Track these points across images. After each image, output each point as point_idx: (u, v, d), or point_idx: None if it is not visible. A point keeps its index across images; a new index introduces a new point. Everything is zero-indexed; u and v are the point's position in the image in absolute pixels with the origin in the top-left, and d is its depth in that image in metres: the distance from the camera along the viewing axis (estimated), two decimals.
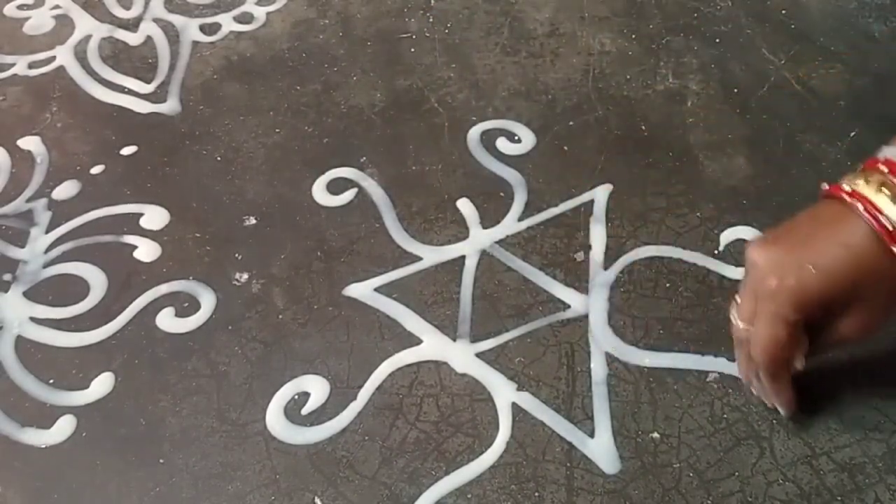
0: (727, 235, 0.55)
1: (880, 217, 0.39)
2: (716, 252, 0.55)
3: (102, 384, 0.50)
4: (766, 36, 0.69)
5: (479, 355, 0.50)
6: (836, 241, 0.40)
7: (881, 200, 0.39)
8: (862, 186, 0.40)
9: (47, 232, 0.58)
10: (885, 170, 0.40)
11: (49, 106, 0.66)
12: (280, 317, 0.53)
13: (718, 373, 0.49)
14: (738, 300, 0.44)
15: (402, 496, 0.45)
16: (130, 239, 0.57)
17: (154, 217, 0.58)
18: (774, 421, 0.47)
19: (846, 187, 0.41)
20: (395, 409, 0.48)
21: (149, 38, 0.72)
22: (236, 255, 0.56)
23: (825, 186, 0.43)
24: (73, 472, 0.47)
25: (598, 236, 0.56)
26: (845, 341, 0.43)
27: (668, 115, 0.63)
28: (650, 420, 0.47)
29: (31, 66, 0.70)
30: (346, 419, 0.48)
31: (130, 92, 0.67)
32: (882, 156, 0.41)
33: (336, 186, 0.60)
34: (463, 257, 0.55)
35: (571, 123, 0.63)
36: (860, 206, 0.40)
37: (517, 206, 0.58)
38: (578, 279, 0.54)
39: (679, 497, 0.44)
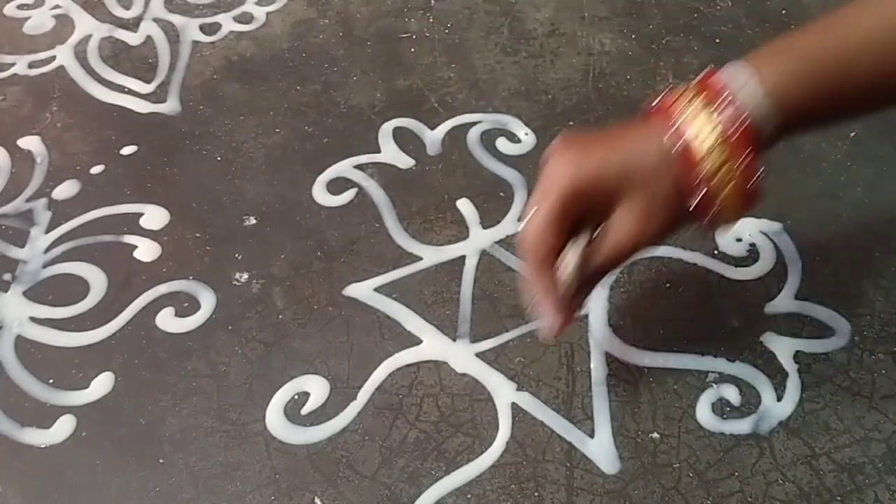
0: (727, 235, 0.55)
1: (680, 125, 0.37)
2: (716, 252, 0.55)
3: (102, 384, 0.50)
4: (766, 36, 0.69)
5: (479, 355, 0.50)
6: (627, 138, 0.39)
7: (691, 115, 0.38)
8: (681, 102, 0.38)
9: (47, 232, 0.58)
10: (706, 91, 0.38)
11: (49, 106, 0.66)
12: (280, 317, 0.53)
13: (718, 373, 0.49)
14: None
15: (402, 496, 0.45)
16: (130, 239, 0.57)
17: (154, 217, 0.58)
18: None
19: (667, 100, 0.39)
20: (394, 409, 0.48)
21: (149, 38, 0.72)
22: (236, 255, 0.56)
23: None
24: (73, 472, 0.47)
25: None
26: (622, 247, 0.39)
27: None
28: (650, 420, 0.47)
29: (31, 65, 0.70)
30: (346, 419, 0.48)
31: (130, 92, 0.67)
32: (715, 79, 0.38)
33: (336, 186, 0.60)
34: (463, 257, 0.55)
35: (571, 123, 0.63)
36: (672, 118, 0.38)
37: (517, 206, 0.58)
38: None
39: (679, 497, 0.44)
